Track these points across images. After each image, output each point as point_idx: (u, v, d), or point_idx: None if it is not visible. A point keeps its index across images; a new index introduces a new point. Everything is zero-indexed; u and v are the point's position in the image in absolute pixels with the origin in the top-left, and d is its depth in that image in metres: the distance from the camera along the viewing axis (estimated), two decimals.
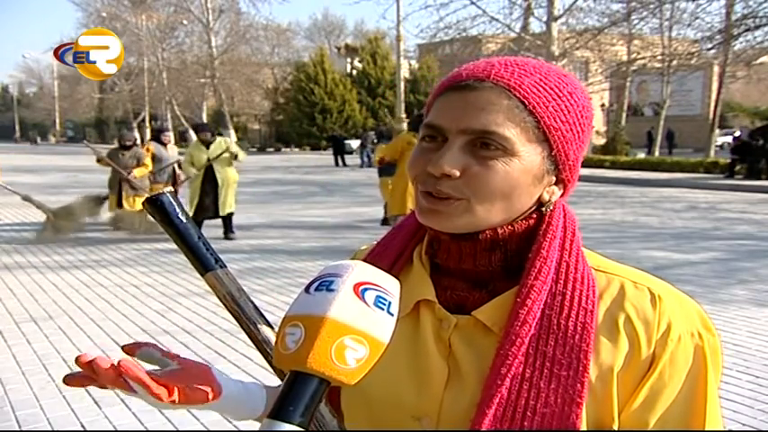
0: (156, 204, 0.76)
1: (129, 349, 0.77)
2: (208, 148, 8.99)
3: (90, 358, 0.71)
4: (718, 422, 0.77)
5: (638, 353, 0.75)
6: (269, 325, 0.75)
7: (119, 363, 0.70)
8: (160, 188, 9.66)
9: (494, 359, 0.75)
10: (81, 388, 0.74)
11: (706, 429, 0.76)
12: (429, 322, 0.81)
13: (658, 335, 0.75)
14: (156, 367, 0.77)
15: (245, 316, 0.75)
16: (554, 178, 0.80)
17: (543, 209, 0.81)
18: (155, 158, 10.34)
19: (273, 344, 0.72)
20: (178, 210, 0.76)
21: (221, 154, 8.94)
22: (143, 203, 0.80)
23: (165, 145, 10.67)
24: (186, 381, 0.74)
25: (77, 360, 0.71)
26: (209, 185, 8.93)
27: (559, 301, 0.76)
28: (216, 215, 9.14)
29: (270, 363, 0.74)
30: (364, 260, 0.76)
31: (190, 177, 9.11)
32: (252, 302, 0.76)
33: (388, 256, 0.87)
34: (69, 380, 0.73)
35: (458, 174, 0.75)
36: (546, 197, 0.80)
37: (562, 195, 0.83)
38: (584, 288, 0.77)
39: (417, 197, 0.79)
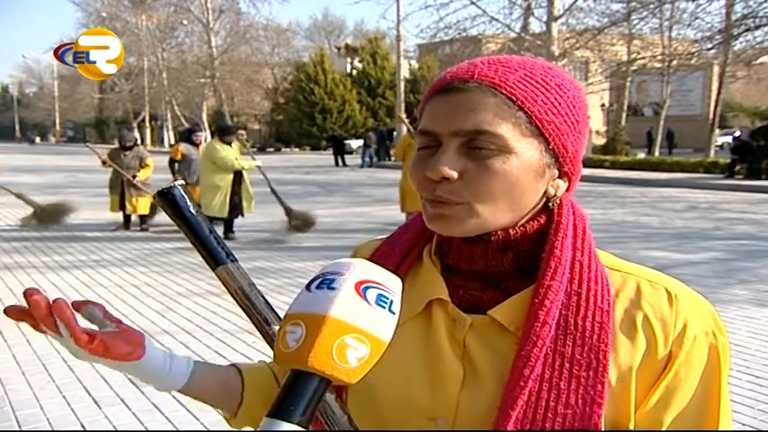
0: (167, 198, 0.75)
1: (77, 305, 0.77)
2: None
3: (35, 296, 0.72)
4: (729, 423, 0.77)
5: (654, 352, 0.75)
6: (279, 320, 0.75)
7: (54, 301, 0.71)
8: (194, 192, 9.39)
9: (514, 361, 0.74)
10: (23, 324, 0.76)
11: (720, 429, 0.76)
12: (442, 322, 0.80)
13: (675, 334, 0.75)
14: (96, 327, 0.78)
15: (257, 311, 0.75)
16: (556, 172, 0.79)
17: (550, 203, 0.80)
18: (185, 159, 10.00)
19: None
20: (189, 203, 0.76)
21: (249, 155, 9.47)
22: (154, 197, 0.79)
23: (196, 145, 10.19)
24: (114, 340, 0.76)
25: (25, 293, 0.73)
26: (238, 185, 9.18)
27: (575, 301, 0.76)
28: (241, 214, 9.47)
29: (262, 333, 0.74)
30: (370, 259, 0.76)
31: (258, 167, 9.25)
32: (263, 297, 0.77)
33: (395, 255, 0.86)
34: (9, 311, 0.74)
35: (456, 176, 0.74)
36: (551, 192, 0.80)
37: (568, 189, 0.82)
38: (599, 287, 0.77)
39: (423, 205, 0.79)
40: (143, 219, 10.03)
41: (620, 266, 0.81)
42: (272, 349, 0.74)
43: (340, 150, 28.34)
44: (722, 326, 0.79)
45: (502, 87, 0.75)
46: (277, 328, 0.74)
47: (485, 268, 0.80)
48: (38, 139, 66.33)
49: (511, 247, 0.79)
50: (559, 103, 0.77)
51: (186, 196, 0.76)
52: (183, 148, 10.22)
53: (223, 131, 9.48)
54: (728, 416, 0.77)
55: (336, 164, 27.95)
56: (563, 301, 0.76)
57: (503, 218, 0.77)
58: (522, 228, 0.79)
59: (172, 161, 10.21)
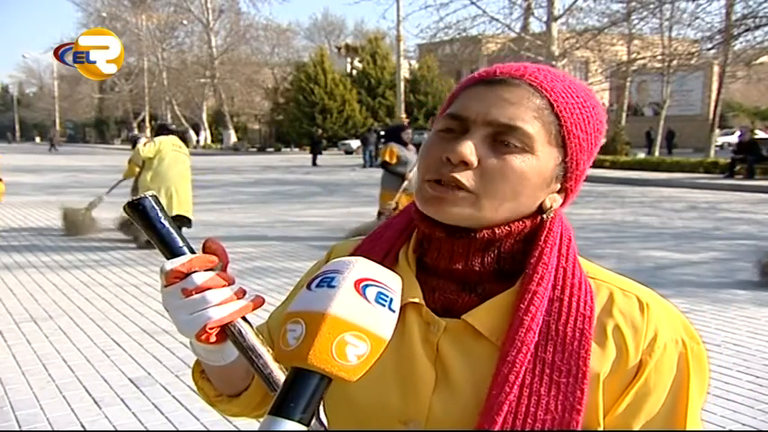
0: (137, 209, 0.74)
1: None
2: None
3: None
4: (698, 429, 0.78)
5: (625, 360, 0.76)
6: (253, 330, 0.75)
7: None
8: (407, 200, 8.60)
9: (498, 366, 0.74)
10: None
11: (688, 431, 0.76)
12: (415, 325, 0.80)
13: (645, 343, 0.76)
14: None
15: (230, 322, 0.74)
16: (559, 186, 0.80)
17: (544, 216, 0.81)
18: (400, 162, 8.53)
19: (258, 350, 0.72)
20: (161, 214, 0.74)
21: None
22: (124, 207, 0.77)
23: (406, 144, 8.72)
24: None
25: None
26: None
27: (557, 308, 0.76)
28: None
29: (254, 368, 0.73)
30: None
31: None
32: None
33: (374, 255, 0.84)
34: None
35: (475, 163, 0.75)
36: (548, 204, 0.80)
37: (562, 205, 0.83)
38: (582, 294, 0.77)
39: (422, 187, 0.78)
40: None
41: (595, 274, 0.82)
42: (247, 360, 0.73)
43: (315, 150, 28.43)
44: (695, 334, 0.79)
45: (549, 91, 0.77)
46: (251, 338, 0.73)
47: (464, 268, 0.79)
48: (38, 139, 66.29)
49: (493, 247, 0.79)
50: (589, 122, 0.79)
51: (157, 207, 0.74)
52: (397, 148, 8.63)
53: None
54: (697, 423, 0.77)
55: (313, 164, 27.95)
56: (545, 306, 0.76)
57: (500, 217, 0.77)
58: (507, 228, 0.79)
59: (384, 164, 8.64)
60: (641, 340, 0.76)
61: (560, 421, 0.73)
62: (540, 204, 0.80)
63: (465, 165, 0.74)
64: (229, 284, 0.74)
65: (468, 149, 0.74)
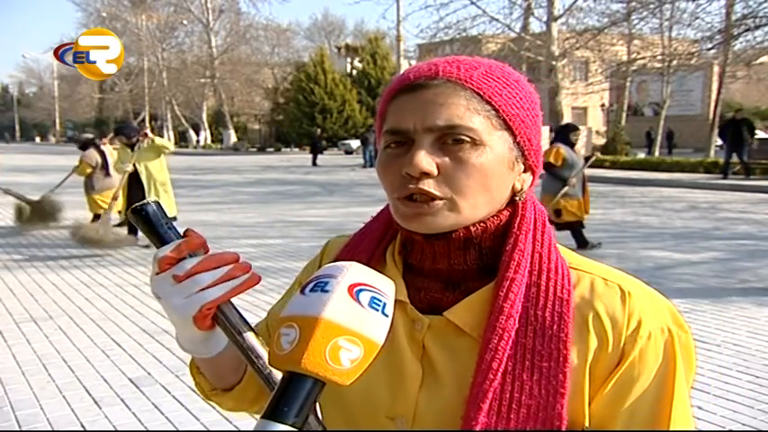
0: (140, 214, 0.75)
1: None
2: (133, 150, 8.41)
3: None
4: (686, 418, 0.77)
5: (606, 349, 0.76)
6: (254, 333, 0.75)
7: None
8: (575, 206, 7.82)
9: (481, 353, 0.75)
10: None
11: (672, 428, 0.76)
12: (401, 323, 0.81)
13: (628, 332, 0.76)
14: None
15: (231, 325, 0.75)
16: (522, 166, 0.81)
17: (517, 198, 0.81)
18: (565, 164, 7.72)
19: (258, 351, 0.73)
20: (163, 220, 0.76)
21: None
22: (127, 213, 0.79)
23: (573, 146, 7.88)
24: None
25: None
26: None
27: (535, 293, 0.77)
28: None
29: (254, 369, 0.73)
30: (335, 260, 0.76)
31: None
32: (237, 311, 0.76)
33: (360, 257, 0.86)
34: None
35: (435, 172, 0.75)
36: (518, 186, 0.81)
37: (530, 184, 0.83)
38: (559, 278, 0.78)
39: (396, 205, 0.79)
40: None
41: (578, 264, 0.82)
42: (248, 361, 0.74)
43: (315, 150, 28.47)
44: (682, 322, 0.79)
45: (468, 82, 0.76)
46: (251, 339, 0.74)
47: (448, 267, 0.80)
48: (38, 139, 66.32)
49: (473, 244, 0.80)
50: (521, 98, 0.79)
51: (159, 213, 0.76)
52: (564, 150, 7.80)
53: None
54: (685, 413, 0.77)
55: (314, 164, 27.97)
56: (523, 293, 0.77)
57: (480, 213, 0.78)
58: (482, 224, 0.79)
59: (548, 166, 7.63)
60: (623, 330, 0.75)
61: (545, 405, 0.73)
62: (513, 188, 0.81)
63: (426, 175, 0.75)
64: (226, 264, 0.74)
65: (424, 160, 0.74)
